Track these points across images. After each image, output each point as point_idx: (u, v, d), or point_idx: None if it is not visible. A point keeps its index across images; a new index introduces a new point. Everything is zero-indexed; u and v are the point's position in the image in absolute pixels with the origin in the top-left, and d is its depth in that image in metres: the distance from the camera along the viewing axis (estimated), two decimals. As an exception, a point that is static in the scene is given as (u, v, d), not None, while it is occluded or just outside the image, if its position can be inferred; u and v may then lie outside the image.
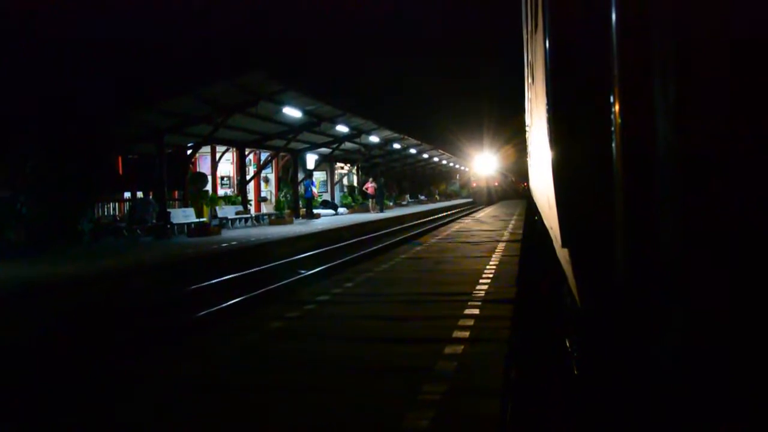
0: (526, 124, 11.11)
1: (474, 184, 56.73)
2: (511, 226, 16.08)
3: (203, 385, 3.53)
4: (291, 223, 24.38)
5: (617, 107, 1.74)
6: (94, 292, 9.50)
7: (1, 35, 15.91)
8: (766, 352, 1.49)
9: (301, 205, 29.14)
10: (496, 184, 55.35)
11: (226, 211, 22.93)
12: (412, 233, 21.10)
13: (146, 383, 3.61)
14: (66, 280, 9.51)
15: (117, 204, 21.37)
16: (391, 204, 44.31)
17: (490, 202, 46.74)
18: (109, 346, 6.87)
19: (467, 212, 32.45)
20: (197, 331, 6.65)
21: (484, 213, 26.31)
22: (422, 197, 57.26)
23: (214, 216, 22.18)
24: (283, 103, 20.66)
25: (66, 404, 3.53)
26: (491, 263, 8.48)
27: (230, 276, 11.40)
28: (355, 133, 29.86)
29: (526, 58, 7.21)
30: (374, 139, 33.02)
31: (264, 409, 3.12)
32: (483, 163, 54.52)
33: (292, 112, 21.63)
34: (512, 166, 64.94)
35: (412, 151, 43.87)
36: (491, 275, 7.30)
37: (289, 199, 29.59)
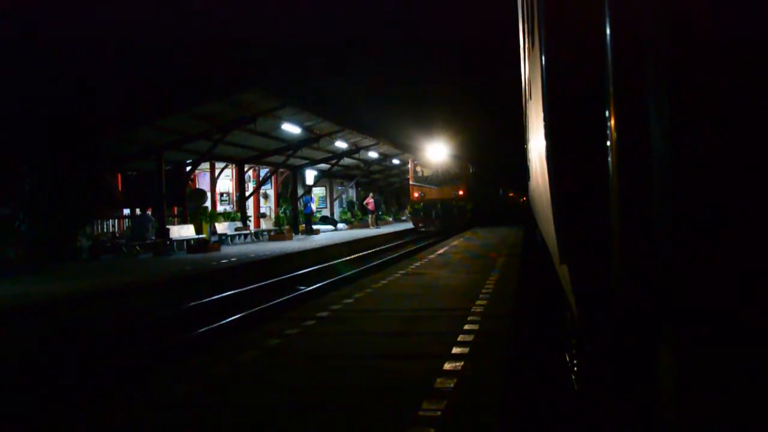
0: (525, 140, 11.14)
1: (415, 195, 29.90)
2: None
3: (196, 407, 3.51)
4: (290, 239, 24.35)
5: (613, 122, 1.75)
6: (91, 311, 9.46)
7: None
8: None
9: (300, 221, 29.12)
10: (461, 193, 28.94)
11: (226, 228, 22.91)
12: (411, 249, 21.10)
13: (137, 407, 3.58)
14: (63, 298, 9.46)
15: (116, 221, 21.36)
16: (391, 219, 44.30)
17: (449, 228, 27.40)
18: (104, 367, 6.83)
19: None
20: (195, 349, 6.62)
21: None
22: (421, 212, 57.05)
23: (213, 232, 22.16)
24: (281, 119, 20.73)
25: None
26: (490, 278, 8.47)
27: (230, 293, 11.36)
28: (354, 149, 29.94)
29: (524, 75, 7.25)
30: (373, 154, 33.10)
31: (261, 429, 3.09)
32: (434, 153, 29.58)
33: (290, 128, 21.70)
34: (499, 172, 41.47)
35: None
36: (490, 290, 7.28)
37: (288, 215, 29.59)
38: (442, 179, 29.10)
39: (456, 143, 31.09)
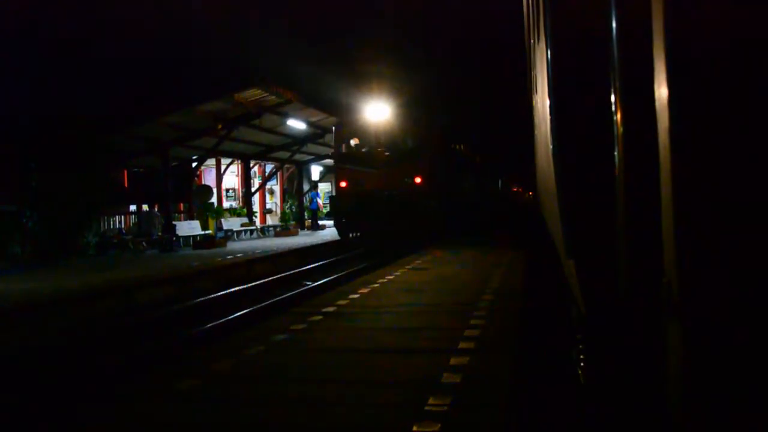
0: (532, 133, 11.11)
1: (342, 183, 17.39)
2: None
3: (201, 402, 3.52)
4: (296, 234, 24.38)
5: (618, 117, 1.74)
6: (98, 306, 9.50)
7: (5, 50, 16.04)
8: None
9: (306, 217, 29.14)
10: (420, 180, 16.28)
11: (232, 223, 22.96)
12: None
13: (141, 402, 3.59)
14: (69, 294, 9.51)
15: (122, 217, 21.43)
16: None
17: (397, 243, 15.95)
18: (110, 363, 6.86)
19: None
20: (201, 344, 6.65)
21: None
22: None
23: (219, 228, 22.20)
24: (287, 115, 20.73)
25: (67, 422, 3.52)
26: (497, 273, 8.46)
27: (236, 288, 11.39)
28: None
29: (530, 69, 7.23)
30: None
31: (266, 425, 3.10)
32: (375, 112, 17.03)
33: (296, 124, 21.69)
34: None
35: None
36: (497, 286, 7.28)
37: (294, 210, 29.62)
38: (389, 157, 16.82)
39: (417, 95, 19.27)
